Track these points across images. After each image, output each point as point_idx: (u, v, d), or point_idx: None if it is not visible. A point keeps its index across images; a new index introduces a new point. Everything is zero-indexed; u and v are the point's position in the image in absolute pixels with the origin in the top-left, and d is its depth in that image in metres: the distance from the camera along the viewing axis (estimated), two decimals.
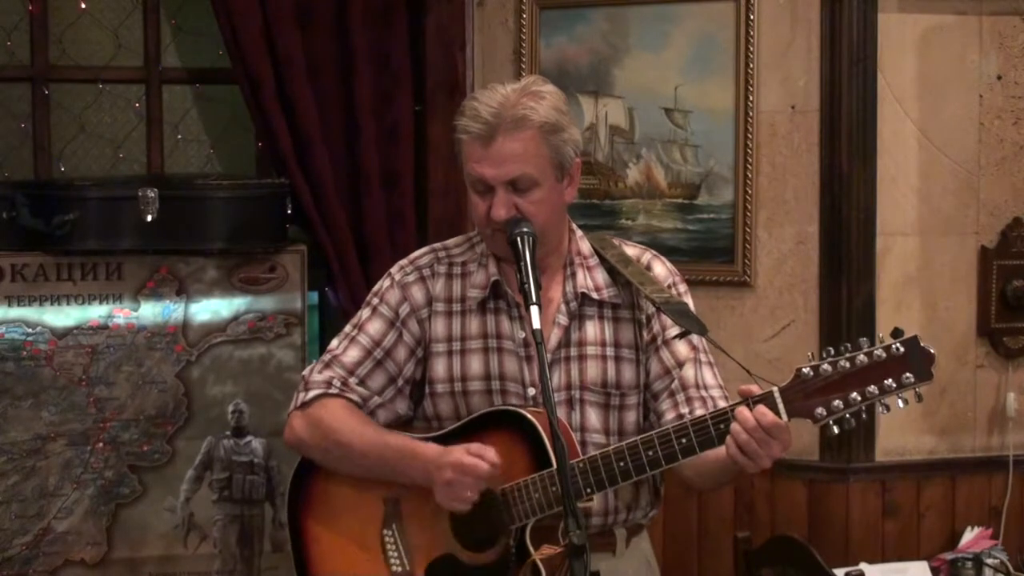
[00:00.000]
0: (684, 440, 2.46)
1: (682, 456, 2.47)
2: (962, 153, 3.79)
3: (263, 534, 3.71)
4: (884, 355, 2.36)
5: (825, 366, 2.39)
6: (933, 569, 3.64)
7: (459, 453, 2.53)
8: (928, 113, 3.77)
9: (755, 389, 2.43)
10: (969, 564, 3.68)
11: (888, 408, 2.39)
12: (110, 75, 4.10)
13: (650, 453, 2.48)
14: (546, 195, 2.58)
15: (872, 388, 2.36)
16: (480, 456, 2.51)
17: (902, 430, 3.76)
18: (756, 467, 2.43)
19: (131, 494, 3.64)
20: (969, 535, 3.77)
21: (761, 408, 2.40)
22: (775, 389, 2.41)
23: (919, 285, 3.79)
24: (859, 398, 2.37)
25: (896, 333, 2.38)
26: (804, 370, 2.40)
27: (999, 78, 3.81)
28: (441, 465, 2.54)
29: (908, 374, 2.36)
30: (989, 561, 3.67)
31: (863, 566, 3.58)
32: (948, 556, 3.72)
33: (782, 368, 3.75)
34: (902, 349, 2.36)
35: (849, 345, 2.40)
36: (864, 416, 2.39)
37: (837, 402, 2.38)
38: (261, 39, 3.75)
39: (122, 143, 4.13)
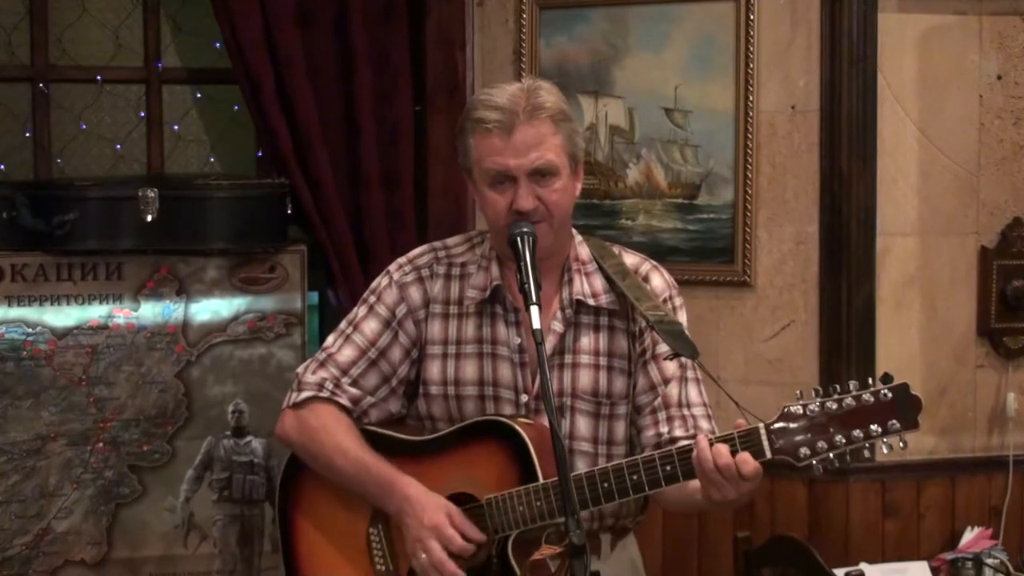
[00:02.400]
0: (668, 467, 2.45)
1: (666, 483, 2.46)
2: (962, 153, 3.79)
3: (263, 534, 3.71)
4: (872, 400, 2.35)
5: (812, 406, 2.37)
6: (933, 569, 3.64)
7: (441, 518, 2.52)
8: (928, 113, 3.77)
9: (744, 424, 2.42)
10: (969, 564, 3.67)
11: (873, 453, 2.39)
12: (110, 75, 4.10)
13: (634, 477, 2.47)
14: (564, 185, 2.57)
15: (857, 432, 2.35)
16: (461, 531, 2.51)
17: None
18: (723, 498, 2.42)
19: (131, 494, 3.64)
20: (969, 535, 3.77)
21: (743, 456, 2.37)
22: (761, 426, 2.40)
23: (919, 285, 3.79)
24: (844, 441, 2.36)
25: (886, 379, 2.37)
26: (791, 408, 2.39)
27: (999, 78, 3.80)
28: (419, 520, 2.53)
29: (894, 420, 2.34)
30: (989, 561, 3.67)
31: (863, 566, 3.58)
32: (948, 556, 3.71)
33: (782, 369, 3.76)
34: (890, 395, 2.35)
35: (838, 387, 2.38)
36: (848, 459, 2.38)
37: (821, 443, 2.36)
38: (261, 39, 3.75)
39: (122, 143, 4.13)
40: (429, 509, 2.53)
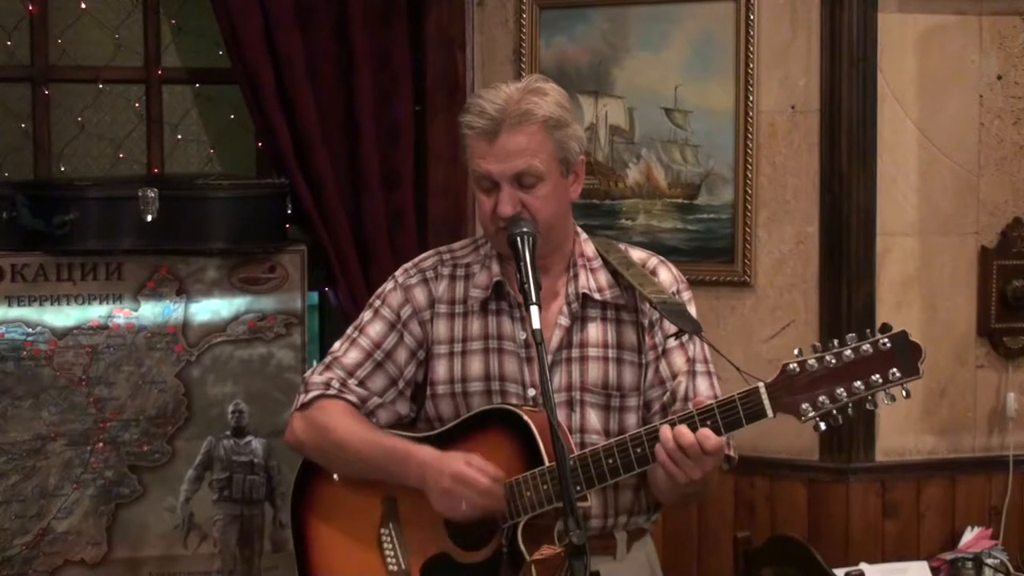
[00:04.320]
0: None
1: None
2: (962, 153, 3.79)
3: (263, 534, 3.71)
4: (871, 350, 2.35)
5: (811, 361, 2.38)
6: (933, 569, 3.64)
7: (460, 463, 2.53)
8: (928, 113, 3.77)
9: None
10: (969, 564, 3.68)
11: (876, 405, 2.38)
12: (110, 75, 4.10)
13: (638, 450, 2.48)
14: (551, 191, 2.58)
15: (858, 383, 2.35)
16: (482, 470, 2.52)
17: (902, 430, 3.76)
18: (685, 477, 2.44)
19: (131, 494, 3.64)
20: (969, 535, 3.77)
21: (704, 432, 2.40)
22: (761, 384, 2.41)
23: (919, 285, 3.79)
24: (845, 393, 2.36)
25: (884, 328, 2.37)
26: (790, 365, 2.39)
27: (999, 78, 3.80)
28: (440, 471, 2.54)
29: (895, 369, 2.34)
30: (989, 561, 3.67)
31: (863, 566, 3.58)
32: (948, 556, 3.71)
33: None
34: (888, 344, 2.35)
35: (836, 341, 2.38)
36: (851, 413, 2.38)
37: (823, 398, 2.37)
38: (261, 39, 3.76)
39: (122, 143, 4.13)
40: (446, 461, 2.54)
